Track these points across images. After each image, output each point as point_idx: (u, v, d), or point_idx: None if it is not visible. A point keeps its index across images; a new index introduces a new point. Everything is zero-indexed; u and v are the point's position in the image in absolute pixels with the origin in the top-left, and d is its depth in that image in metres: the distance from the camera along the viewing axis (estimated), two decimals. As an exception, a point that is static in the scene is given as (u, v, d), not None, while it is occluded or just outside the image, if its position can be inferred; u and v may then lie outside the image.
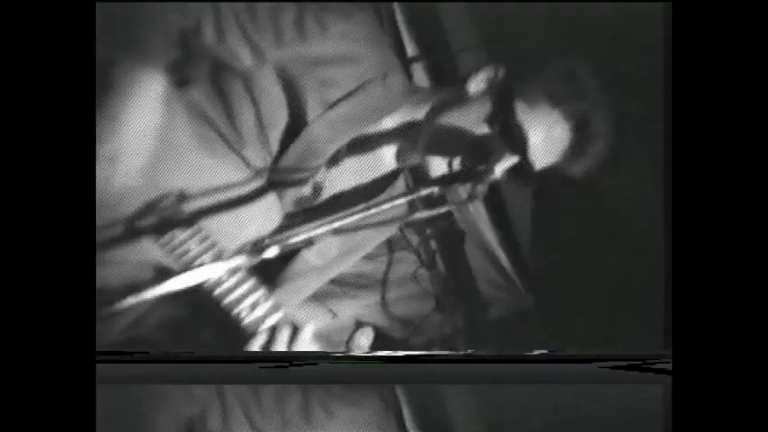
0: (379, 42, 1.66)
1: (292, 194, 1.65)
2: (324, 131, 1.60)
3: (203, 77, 1.55)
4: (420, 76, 2.79)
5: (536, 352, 1.44)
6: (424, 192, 1.43)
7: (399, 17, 2.76)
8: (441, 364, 1.49)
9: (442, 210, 1.51)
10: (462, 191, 1.48)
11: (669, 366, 1.34)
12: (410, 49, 2.78)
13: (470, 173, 1.48)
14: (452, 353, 1.56)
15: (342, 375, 1.51)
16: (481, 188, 1.43)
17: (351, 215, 1.37)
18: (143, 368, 1.50)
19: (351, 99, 1.60)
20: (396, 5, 2.72)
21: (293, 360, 1.46)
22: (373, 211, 1.39)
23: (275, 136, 1.59)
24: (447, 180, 1.45)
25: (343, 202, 1.72)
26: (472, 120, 1.60)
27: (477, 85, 1.65)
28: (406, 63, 2.74)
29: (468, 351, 1.55)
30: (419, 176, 1.75)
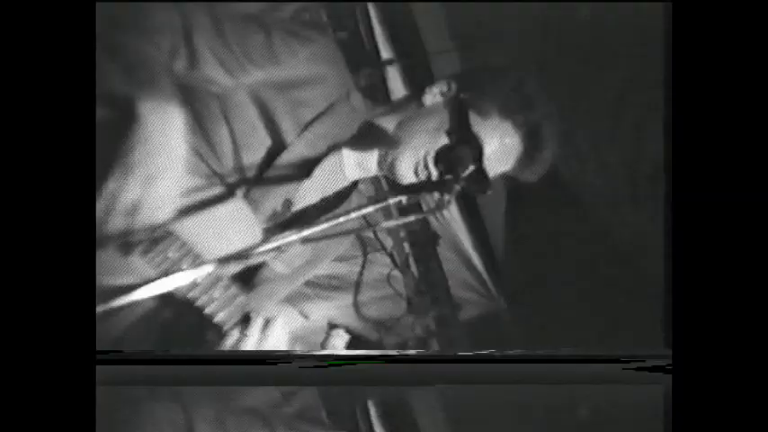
0: (340, 63, 1.79)
1: (267, 210, 1.72)
2: (301, 151, 1.70)
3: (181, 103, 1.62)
4: (394, 78, 2.80)
5: (535, 352, 1.45)
6: (392, 201, 1.49)
7: (374, 20, 2.76)
8: (440, 365, 1.49)
9: (412, 218, 1.57)
10: (430, 199, 1.54)
11: (669, 366, 1.35)
12: (384, 53, 2.78)
13: (439, 182, 1.56)
14: (451, 353, 1.55)
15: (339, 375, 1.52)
16: (448, 197, 1.49)
17: (316, 226, 1.46)
18: (143, 368, 1.52)
19: (323, 118, 1.72)
20: (370, 7, 2.73)
21: (288, 359, 1.47)
22: (339, 220, 1.47)
23: (251, 156, 1.68)
24: (415, 189, 1.53)
25: (309, 214, 1.80)
26: (432, 131, 1.70)
27: (432, 98, 1.76)
28: (380, 66, 2.76)
29: (471, 352, 1.54)
30: (386, 186, 1.88)
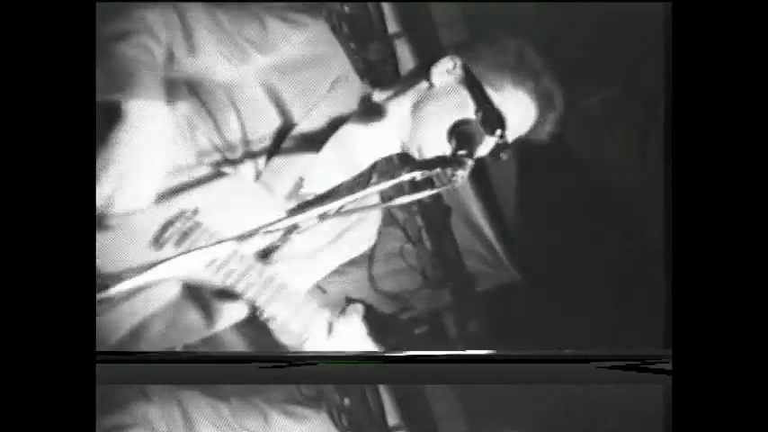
0: (335, 45, 1.85)
1: (281, 190, 1.78)
2: (309, 129, 1.77)
3: (186, 93, 1.71)
4: (403, 51, 2.79)
5: (536, 352, 1.47)
6: (407, 176, 1.51)
7: None
8: (438, 365, 1.51)
9: (426, 193, 1.56)
10: (443, 175, 1.55)
11: (669, 366, 1.37)
12: (391, 26, 2.77)
13: (453, 158, 1.58)
14: (451, 353, 1.57)
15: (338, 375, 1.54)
16: (462, 172, 1.51)
17: (334, 201, 1.55)
18: (143, 368, 1.53)
19: (327, 97, 1.78)
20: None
21: (292, 360, 1.50)
22: (356, 196, 1.53)
23: (262, 139, 1.75)
24: (430, 165, 1.53)
25: (331, 192, 1.87)
26: (453, 109, 1.75)
27: (440, 77, 1.81)
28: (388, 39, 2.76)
29: (471, 353, 1.56)
30: (401, 164, 1.91)
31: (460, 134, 1.67)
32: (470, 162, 1.52)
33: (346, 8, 2.70)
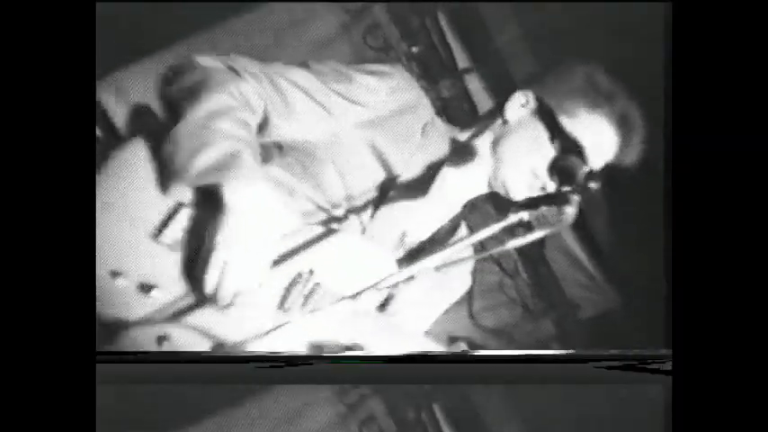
0: (419, 90, 1.88)
1: (390, 241, 1.83)
2: (410, 178, 1.81)
3: (283, 156, 1.75)
4: (475, 86, 2.81)
5: (536, 352, 1.47)
6: (514, 218, 1.51)
7: (446, 30, 2.79)
8: (439, 365, 1.52)
9: (537, 235, 1.54)
10: (548, 212, 1.53)
11: (669, 366, 1.35)
12: (461, 62, 2.81)
13: (558, 195, 1.55)
14: (451, 353, 1.58)
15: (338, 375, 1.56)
16: (571, 210, 1.48)
17: (438, 247, 1.60)
18: (143, 368, 1.55)
19: (421, 144, 1.82)
20: (441, 19, 2.76)
21: (289, 361, 1.55)
22: (467, 242, 1.58)
23: (364, 192, 1.79)
24: (535, 204, 1.51)
25: (434, 238, 1.91)
26: (530, 143, 1.78)
27: (515, 112, 1.83)
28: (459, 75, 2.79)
29: (472, 352, 1.57)
30: (492, 203, 1.94)
31: (562, 170, 1.65)
32: (577, 198, 1.48)
33: (414, 48, 2.76)
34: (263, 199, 1.57)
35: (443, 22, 2.78)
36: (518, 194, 1.79)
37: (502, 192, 1.82)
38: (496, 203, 1.96)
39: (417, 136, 1.82)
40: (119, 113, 2.42)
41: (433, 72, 2.76)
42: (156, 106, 1.81)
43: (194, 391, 1.70)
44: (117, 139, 2.32)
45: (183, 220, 1.60)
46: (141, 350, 1.49)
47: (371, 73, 1.81)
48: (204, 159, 1.54)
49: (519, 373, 1.50)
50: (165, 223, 1.59)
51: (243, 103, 1.65)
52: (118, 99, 2.44)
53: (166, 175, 1.58)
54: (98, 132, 2.38)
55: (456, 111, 2.76)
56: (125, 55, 2.46)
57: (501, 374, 1.51)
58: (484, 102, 2.79)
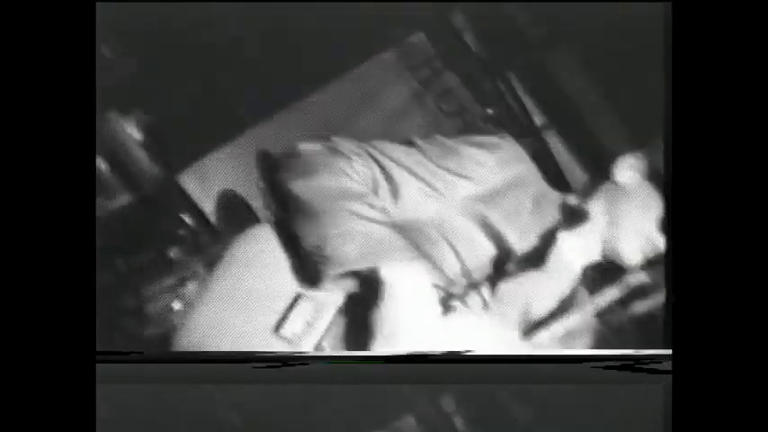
0: (527, 159, 1.86)
1: (513, 315, 1.77)
2: (526, 250, 1.78)
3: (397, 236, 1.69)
4: (555, 143, 2.76)
5: (535, 352, 1.47)
6: (635, 281, 1.57)
7: (517, 88, 2.75)
8: (438, 365, 1.52)
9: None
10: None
11: (669, 366, 1.35)
12: (538, 119, 2.76)
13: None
14: (451, 352, 1.58)
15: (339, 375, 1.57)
16: None
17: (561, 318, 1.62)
18: (143, 368, 1.57)
19: (534, 213, 1.80)
20: (511, 78, 2.72)
21: (286, 361, 1.56)
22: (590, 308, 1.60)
23: (481, 268, 1.76)
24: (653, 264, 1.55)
25: (559, 308, 1.84)
26: (643, 206, 1.75)
27: (626, 174, 1.79)
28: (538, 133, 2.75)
29: (471, 352, 1.57)
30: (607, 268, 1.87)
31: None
32: None
33: (489, 110, 2.72)
34: (421, 279, 1.58)
35: (514, 82, 2.73)
36: (630, 260, 1.75)
37: (615, 257, 1.78)
38: (612, 267, 1.91)
39: (528, 207, 1.80)
40: (206, 202, 2.46)
41: (512, 132, 2.69)
42: (247, 193, 1.88)
43: (194, 392, 1.68)
44: (207, 226, 2.43)
45: (304, 312, 1.61)
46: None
47: (479, 145, 1.79)
48: (354, 246, 1.56)
49: (520, 373, 1.49)
50: (284, 316, 1.60)
51: (364, 184, 1.66)
52: (203, 186, 2.47)
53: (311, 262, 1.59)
54: (188, 220, 2.44)
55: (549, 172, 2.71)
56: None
57: (501, 374, 1.50)
58: (567, 160, 2.72)
